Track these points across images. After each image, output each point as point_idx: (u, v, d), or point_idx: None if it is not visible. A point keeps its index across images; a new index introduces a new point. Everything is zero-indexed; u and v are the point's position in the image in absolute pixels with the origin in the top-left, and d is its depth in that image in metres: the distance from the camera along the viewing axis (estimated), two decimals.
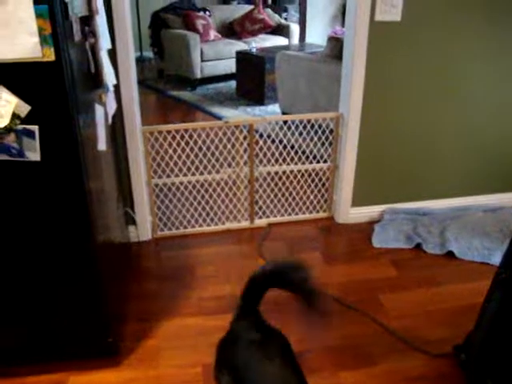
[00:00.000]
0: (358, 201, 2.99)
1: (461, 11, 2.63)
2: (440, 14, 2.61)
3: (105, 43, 1.93)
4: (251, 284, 1.42)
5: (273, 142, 3.02)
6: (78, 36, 1.59)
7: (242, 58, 6.00)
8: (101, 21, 1.88)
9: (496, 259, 2.54)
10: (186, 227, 2.94)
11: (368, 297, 2.37)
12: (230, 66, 6.40)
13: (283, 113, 4.99)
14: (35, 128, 1.49)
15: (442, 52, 2.71)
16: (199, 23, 6.50)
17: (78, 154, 1.58)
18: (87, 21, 1.75)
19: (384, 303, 2.31)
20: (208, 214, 3.00)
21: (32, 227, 1.66)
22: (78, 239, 1.70)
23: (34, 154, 1.52)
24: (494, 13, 2.67)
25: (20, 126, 1.48)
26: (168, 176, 2.88)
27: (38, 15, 1.36)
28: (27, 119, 1.48)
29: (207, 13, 6.86)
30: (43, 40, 1.38)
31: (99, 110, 1.86)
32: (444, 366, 1.94)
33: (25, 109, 1.46)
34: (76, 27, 1.57)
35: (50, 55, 1.41)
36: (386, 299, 2.35)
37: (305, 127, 2.93)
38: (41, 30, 1.37)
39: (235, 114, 5.34)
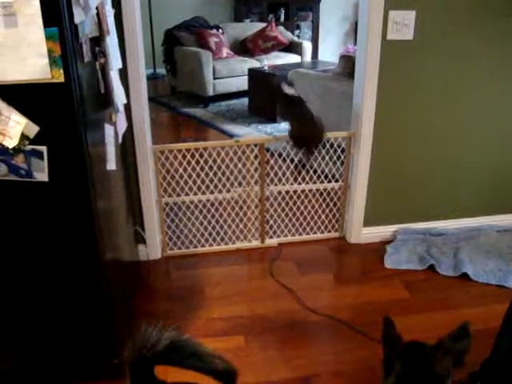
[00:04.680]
0: (370, 221, 2.96)
1: (472, 30, 2.61)
2: (452, 33, 2.59)
3: (115, 63, 1.94)
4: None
5: (284, 160, 3.00)
6: (88, 57, 1.59)
7: (255, 75, 6.03)
8: (112, 41, 1.89)
9: None
10: (196, 246, 2.91)
11: (379, 319, 2.31)
12: (242, 83, 6.40)
13: None
14: (43, 149, 1.49)
15: (455, 70, 2.68)
16: (212, 41, 6.54)
17: (85, 174, 1.58)
18: (98, 41, 1.75)
19: (396, 326, 2.26)
20: (218, 233, 2.98)
21: (39, 246, 1.65)
22: (86, 258, 1.69)
23: (41, 175, 1.52)
24: (505, 33, 2.65)
25: (29, 147, 1.48)
26: (178, 195, 2.86)
27: (48, 38, 1.36)
28: (36, 140, 1.48)
29: (220, 30, 6.91)
30: (52, 62, 1.38)
31: (109, 130, 1.86)
32: None
33: (34, 129, 1.46)
34: (86, 48, 1.57)
35: (60, 76, 1.41)
36: (397, 322, 2.28)
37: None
38: (50, 52, 1.37)
39: (247, 132, 5.34)
